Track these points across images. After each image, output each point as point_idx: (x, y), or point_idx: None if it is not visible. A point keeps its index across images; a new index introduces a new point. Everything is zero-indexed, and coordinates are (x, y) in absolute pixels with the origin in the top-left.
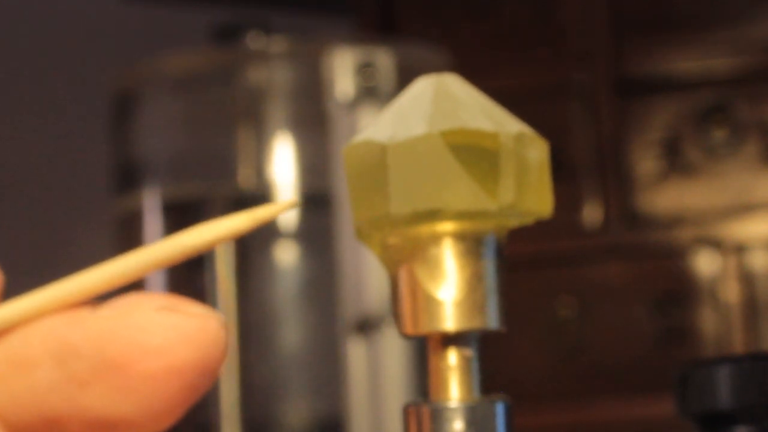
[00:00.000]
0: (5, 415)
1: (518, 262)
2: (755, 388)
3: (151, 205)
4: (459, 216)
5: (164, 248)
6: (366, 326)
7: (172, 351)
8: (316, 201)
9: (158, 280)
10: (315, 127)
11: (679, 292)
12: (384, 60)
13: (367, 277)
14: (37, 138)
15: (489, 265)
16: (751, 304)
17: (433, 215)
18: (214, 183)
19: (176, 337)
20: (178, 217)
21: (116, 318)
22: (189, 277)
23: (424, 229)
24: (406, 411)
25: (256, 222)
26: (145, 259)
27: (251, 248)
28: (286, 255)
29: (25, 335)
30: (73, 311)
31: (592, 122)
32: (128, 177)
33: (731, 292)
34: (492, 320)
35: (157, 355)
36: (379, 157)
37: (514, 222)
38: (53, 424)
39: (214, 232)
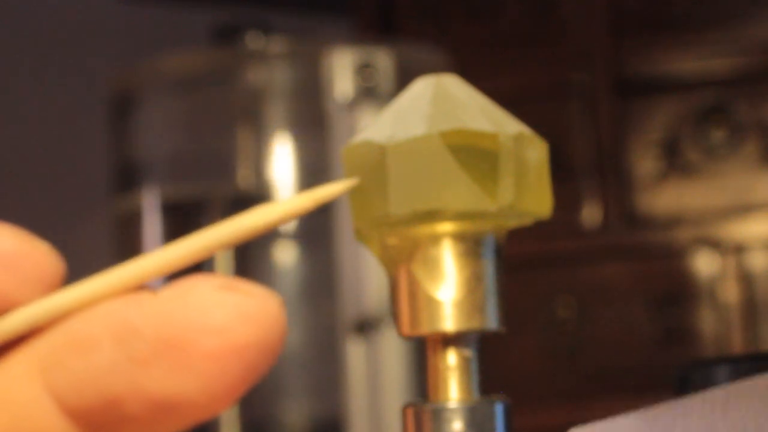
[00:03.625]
0: (64, 398)
1: (517, 262)
2: None
3: (150, 205)
4: (458, 216)
5: (224, 230)
6: (365, 326)
7: (233, 330)
8: None
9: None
10: (314, 128)
11: (678, 292)
12: (383, 60)
13: (366, 277)
14: (37, 138)
15: (488, 266)
16: (750, 305)
17: (433, 216)
18: (214, 183)
19: (236, 317)
20: (178, 217)
21: (176, 298)
22: None
23: (424, 230)
24: (405, 411)
25: (316, 202)
26: (203, 242)
27: (251, 248)
28: (286, 255)
29: (86, 317)
30: (134, 294)
31: (591, 122)
32: (128, 177)
33: (730, 293)
34: (491, 320)
35: (218, 335)
36: (379, 157)
37: (513, 222)
38: (113, 405)
39: (274, 212)
